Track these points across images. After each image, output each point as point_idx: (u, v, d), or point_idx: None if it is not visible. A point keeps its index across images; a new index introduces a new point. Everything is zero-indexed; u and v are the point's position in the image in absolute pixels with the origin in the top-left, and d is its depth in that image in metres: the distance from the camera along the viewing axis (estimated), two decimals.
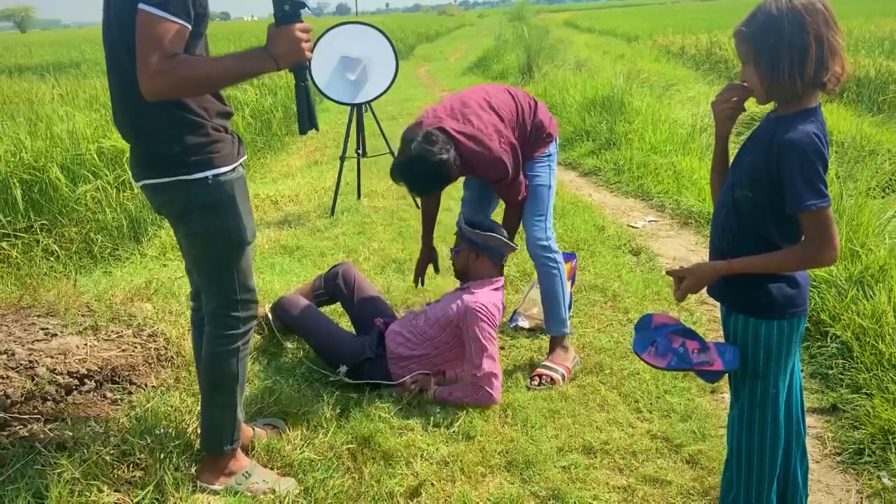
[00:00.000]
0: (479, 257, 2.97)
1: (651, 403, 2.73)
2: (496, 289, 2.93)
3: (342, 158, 5.42)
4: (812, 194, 1.57)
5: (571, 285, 3.45)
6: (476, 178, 3.15)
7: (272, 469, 2.34)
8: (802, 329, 1.79)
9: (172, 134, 1.91)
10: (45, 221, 4.84)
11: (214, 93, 1.98)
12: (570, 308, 3.24)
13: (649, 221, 5.22)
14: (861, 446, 2.48)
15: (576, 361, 3.08)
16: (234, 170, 2.00)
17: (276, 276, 4.21)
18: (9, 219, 4.64)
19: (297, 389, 2.80)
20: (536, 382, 2.92)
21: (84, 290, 3.35)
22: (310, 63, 2.01)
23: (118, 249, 4.75)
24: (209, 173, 1.94)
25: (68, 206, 4.98)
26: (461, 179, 3.17)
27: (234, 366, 2.13)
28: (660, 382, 2.85)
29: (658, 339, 1.84)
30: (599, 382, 2.90)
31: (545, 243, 3.03)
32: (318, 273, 4.18)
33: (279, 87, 11.33)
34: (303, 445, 2.46)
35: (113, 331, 2.84)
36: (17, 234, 4.54)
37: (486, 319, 2.77)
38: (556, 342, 3.09)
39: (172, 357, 2.83)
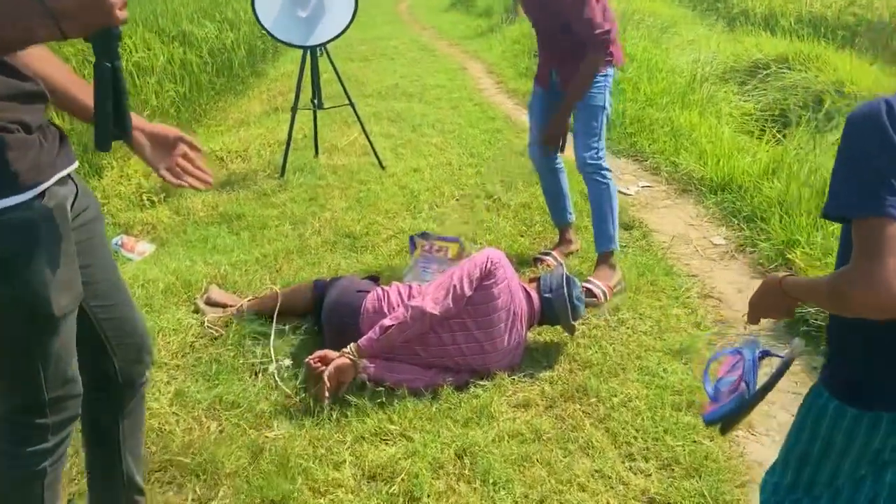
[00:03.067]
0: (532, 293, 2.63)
1: (647, 448, 2.16)
2: (527, 298, 2.58)
3: (294, 110, 4.70)
4: (853, 194, 1.04)
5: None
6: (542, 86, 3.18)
7: None
8: (872, 438, 1.20)
9: None
10: None
11: None
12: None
13: (643, 187, 4.58)
14: None
15: (621, 285, 3.10)
16: (33, 200, 1.25)
17: (207, 254, 3.56)
18: None
19: (197, 428, 2.20)
20: (594, 298, 2.96)
21: None
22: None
23: None
24: None
25: None
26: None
27: (36, 498, 1.41)
28: (657, 416, 2.27)
29: (736, 353, 1.41)
30: (583, 413, 2.32)
31: (595, 162, 3.05)
32: (257, 251, 3.57)
33: (243, 22, 10.40)
34: None
35: None
36: None
37: (479, 269, 2.40)
38: (603, 259, 3.13)
39: None
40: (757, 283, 3.28)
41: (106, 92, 1.18)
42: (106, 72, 1.17)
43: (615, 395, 2.38)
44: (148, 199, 4.37)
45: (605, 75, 3.05)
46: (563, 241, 3.46)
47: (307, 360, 2.39)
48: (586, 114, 3.05)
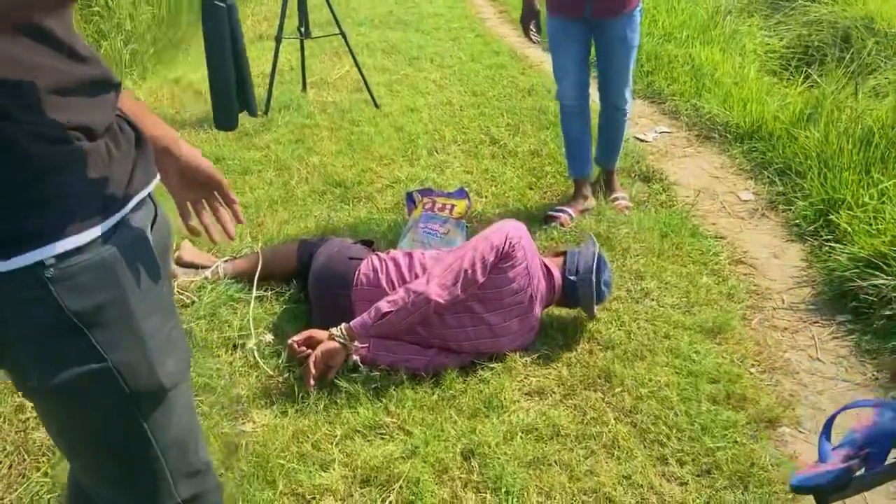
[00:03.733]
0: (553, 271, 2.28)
1: (682, 449, 1.87)
2: (546, 274, 2.24)
3: (278, 39, 4.24)
4: None
5: (462, 231, 2.80)
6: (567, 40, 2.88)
7: None
8: None
9: None
10: None
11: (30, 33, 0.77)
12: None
13: (661, 133, 4.21)
14: None
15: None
16: (100, 239, 0.85)
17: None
18: None
19: None
20: (628, 211, 3.11)
21: None
22: None
23: None
24: (43, 254, 0.80)
25: None
26: None
27: None
28: (692, 410, 1.98)
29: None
30: (605, 404, 2.03)
31: (624, 107, 3.02)
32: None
33: None
34: None
35: None
36: None
37: (496, 252, 2.05)
38: (614, 173, 3.26)
39: None
40: (794, 247, 3.02)
41: (223, 44, 0.82)
42: (220, 14, 0.81)
43: (642, 384, 2.08)
44: None
45: (640, 9, 2.83)
46: (579, 195, 3.11)
47: (290, 341, 2.08)
48: (625, 56, 2.86)
